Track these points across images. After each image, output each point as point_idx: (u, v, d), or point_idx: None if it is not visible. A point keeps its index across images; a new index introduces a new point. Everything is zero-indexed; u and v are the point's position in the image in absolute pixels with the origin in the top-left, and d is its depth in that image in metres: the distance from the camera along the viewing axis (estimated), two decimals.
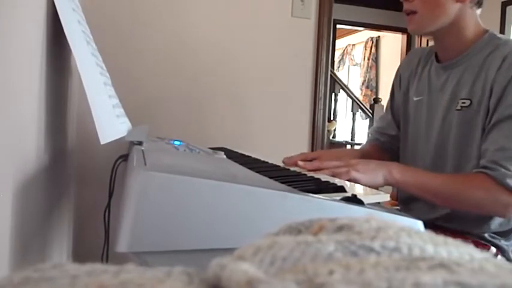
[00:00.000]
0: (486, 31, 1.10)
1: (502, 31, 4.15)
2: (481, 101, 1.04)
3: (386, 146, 1.35)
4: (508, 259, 1.08)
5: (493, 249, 1.08)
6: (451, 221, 1.11)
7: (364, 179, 0.94)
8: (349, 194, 0.63)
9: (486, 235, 1.09)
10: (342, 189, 0.74)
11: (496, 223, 1.08)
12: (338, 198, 0.59)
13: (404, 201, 1.24)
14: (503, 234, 1.10)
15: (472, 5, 1.07)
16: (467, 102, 1.06)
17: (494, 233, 1.09)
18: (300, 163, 1.02)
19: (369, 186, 0.91)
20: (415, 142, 1.21)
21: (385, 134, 1.35)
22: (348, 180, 0.91)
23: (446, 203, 1.03)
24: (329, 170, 0.94)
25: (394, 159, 1.33)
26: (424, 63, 1.23)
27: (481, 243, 1.08)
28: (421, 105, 1.20)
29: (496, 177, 0.94)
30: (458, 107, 1.08)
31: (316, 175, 0.89)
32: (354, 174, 0.93)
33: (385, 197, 0.78)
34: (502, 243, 1.09)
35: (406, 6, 1.09)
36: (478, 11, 1.10)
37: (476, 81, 1.06)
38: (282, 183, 0.65)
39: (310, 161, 1.08)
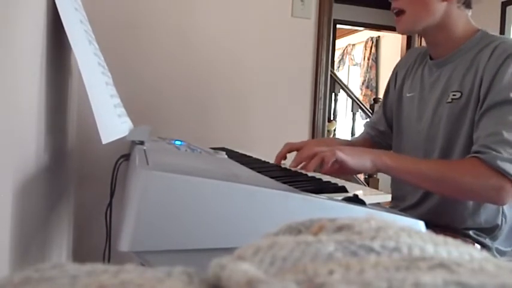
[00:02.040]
0: (478, 30, 1.11)
1: (502, 31, 4.15)
2: (471, 92, 1.05)
3: (375, 140, 1.39)
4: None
5: (478, 247, 1.08)
6: (437, 216, 1.11)
7: (351, 161, 0.94)
8: (350, 194, 0.63)
9: (471, 232, 1.09)
10: (343, 189, 0.74)
11: (482, 219, 1.08)
12: (340, 198, 0.59)
13: (392, 198, 1.25)
14: (489, 232, 1.10)
15: (459, 5, 1.09)
16: (458, 95, 1.08)
17: (480, 230, 1.09)
18: (293, 165, 1.02)
19: (357, 171, 0.91)
20: (407, 137, 1.23)
21: (375, 128, 1.38)
22: (336, 164, 0.92)
23: (437, 188, 1.02)
24: (317, 157, 0.94)
25: None
26: (420, 62, 1.26)
27: (466, 241, 1.08)
28: (412, 101, 1.22)
29: (487, 160, 0.94)
30: (449, 100, 1.09)
31: (317, 175, 0.90)
32: (340, 154, 0.93)
33: (386, 197, 0.78)
34: (487, 241, 1.09)
35: (394, 4, 1.11)
36: (469, 12, 1.12)
37: (467, 74, 1.07)
38: (284, 183, 0.65)
39: (296, 150, 1.11)
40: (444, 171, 0.98)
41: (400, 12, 1.11)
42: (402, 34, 1.18)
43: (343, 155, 0.93)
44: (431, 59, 1.19)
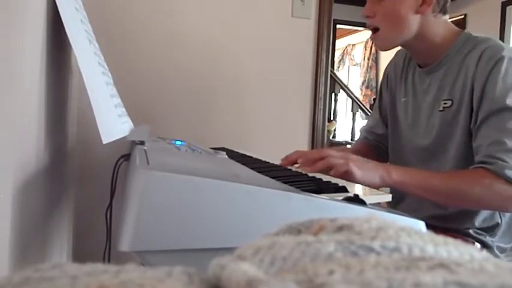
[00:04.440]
0: (461, 31, 1.11)
1: (502, 31, 4.15)
2: (461, 100, 1.05)
3: (373, 144, 1.38)
4: (493, 255, 1.08)
5: (478, 245, 1.09)
6: (436, 219, 1.11)
7: (360, 175, 0.93)
8: (351, 194, 0.63)
9: (471, 231, 1.10)
10: (343, 189, 0.74)
11: (480, 219, 1.09)
12: (340, 198, 0.59)
13: (394, 200, 1.24)
14: (488, 230, 1.10)
15: (435, 14, 1.08)
16: (449, 103, 1.08)
17: (480, 229, 1.10)
18: (299, 160, 1.02)
19: (364, 184, 0.91)
20: (404, 142, 1.23)
21: (373, 132, 1.38)
22: (345, 174, 0.91)
23: (447, 201, 1.02)
24: (326, 160, 0.93)
25: (382, 157, 1.36)
26: (408, 66, 1.25)
27: (466, 239, 1.08)
28: (406, 106, 1.22)
29: (495, 170, 0.94)
30: (441, 108, 1.10)
31: (318, 175, 0.89)
32: (352, 167, 0.92)
33: (386, 197, 0.78)
34: (487, 239, 1.10)
35: (369, 22, 1.12)
36: (446, 17, 1.11)
37: (456, 82, 1.07)
38: (284, 183, 0.65)
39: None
40: (453, 183, 0.98)
41: (375, 29, 1.11)
42: (381, 50, 1.18)
43: (354, 168, 0.92)
44: (419, 66, 1.19)
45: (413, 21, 1.07)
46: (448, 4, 1.10)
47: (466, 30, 1.11)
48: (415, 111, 1.18)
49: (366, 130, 1.41)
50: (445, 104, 1.09)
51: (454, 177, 1.01)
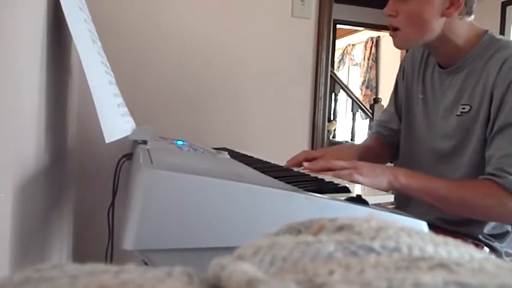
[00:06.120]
0: (485, 32, 1.08)
1: (502, 31, 4.15)
2: (480, 107, 1.03)
3: (387, 140, 1.33)
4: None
5: (486, 249, 1.08)
6: (445, 224, 1.10)
7: (368, 182, 0.92)
8: (353, 194, 0.63)
9: (480, 236, 1.09)
10: (345, 189, 0.74)
11: (490, 226, 1.08)
12: (342, 198, 0.58)
13: (400, 203, 1.23)
14: (497, 237, 1.10)
15: (461, 16, 1.04)
16: (467, 108, 1.06)
17: (488, 234, 1.09)
18: (305, 164, 1.01)
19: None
20: (417, 140, 1.20)
21: (387, 127, 1.33)
22: (351, 181, 0.91)
23: (453, 209, 1.01)
24: (333, 172, 0.93)
25: (395, 152, 1.32)
26: (427, 62, 1.21)
27: (475, 243, 1.08)
28: (424, 105, 1.19)
29: (503, 184, 0.93)
30: (458, 113, 1.07)
31: (320, 176, 0.89)
32: (357, 177, 0.91)
33: (388, 197, 0.78)
34: (496, 244, 1.09)
35: (391, 21, 1.07)
36: (471, 18, 1.07)
37: (477, 87, 1.04)
38: (286, 183, 0.65)
39: (312, 160, 1.07)
40: (462, 193, 0.97)
41: (395, 29, 1.07)
42: (399, 49, 1.11)
43: (359, 177, 0.91)
44: (438, 65, 1.16)
45: (438, 24, 1.03)
46: (474, 5, 1.05)
47: (489, 31, 1.08)
48: (433, 111, 1.16)
49: (379, 125, 1.36)
50: (463, 108, 1.06)
51: (462, 187, 0.99)
